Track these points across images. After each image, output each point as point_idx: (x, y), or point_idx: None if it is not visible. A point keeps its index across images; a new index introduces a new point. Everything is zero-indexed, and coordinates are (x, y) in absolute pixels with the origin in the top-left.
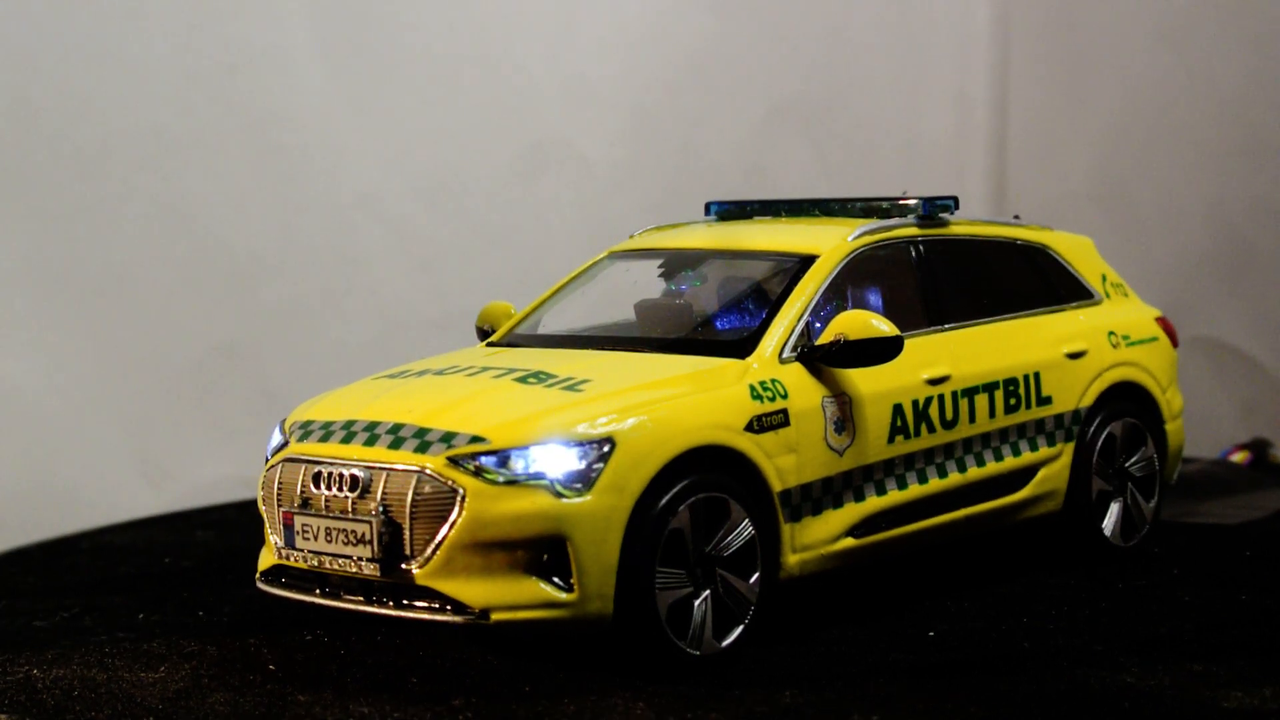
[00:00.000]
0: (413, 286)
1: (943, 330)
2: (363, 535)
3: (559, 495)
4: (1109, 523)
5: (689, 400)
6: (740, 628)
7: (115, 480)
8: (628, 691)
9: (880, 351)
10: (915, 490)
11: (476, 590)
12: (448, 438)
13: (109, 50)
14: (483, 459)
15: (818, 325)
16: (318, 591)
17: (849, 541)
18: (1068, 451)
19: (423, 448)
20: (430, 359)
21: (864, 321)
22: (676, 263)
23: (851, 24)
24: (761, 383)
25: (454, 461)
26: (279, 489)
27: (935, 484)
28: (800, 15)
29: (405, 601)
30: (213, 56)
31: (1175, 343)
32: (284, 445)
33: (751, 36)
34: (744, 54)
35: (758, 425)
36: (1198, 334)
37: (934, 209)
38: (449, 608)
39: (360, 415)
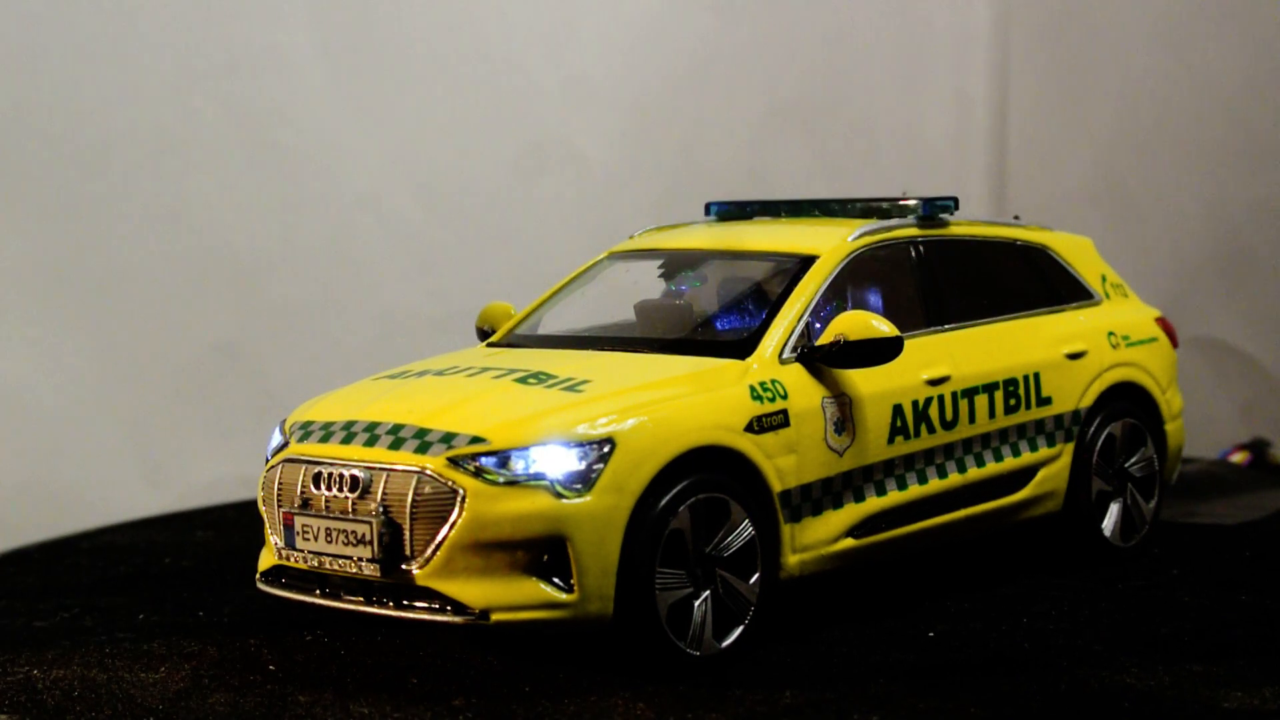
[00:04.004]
0: (413, 287)
1: (943, 331)
2: (363, 536)
3: (559, 496)
4: (1109, 523)
5: (689, 401)
6: (740, 628)
7: (115, 480)
8: (628, 692)
9: (880, 352)
10: (915, 491)
11: (476, 591)
12: (448, 438)
13: (109, 50)
14: (483, 459)
15: (818, 326)
16: (318, 592)
17: (849, 542)
18: (1067, 452)
19: (423, 448)
20: (430, 359)
21: (864, 322)
22: (676, 263)
23: (851, 24)
24: (761, 383)
25: (454, 462)
26: (279, 489)
27: (935, 484)
28: (800, 15)
29: (405, 602)
30: (213, 56)
31: (1175, 343)
32: (284, 446)
33: (751, 36)
34: (744, 54)
35: (758, 426)
36: (1197, 334)
37: (934, 209)
38: (449, 608)
39: (360, 416)
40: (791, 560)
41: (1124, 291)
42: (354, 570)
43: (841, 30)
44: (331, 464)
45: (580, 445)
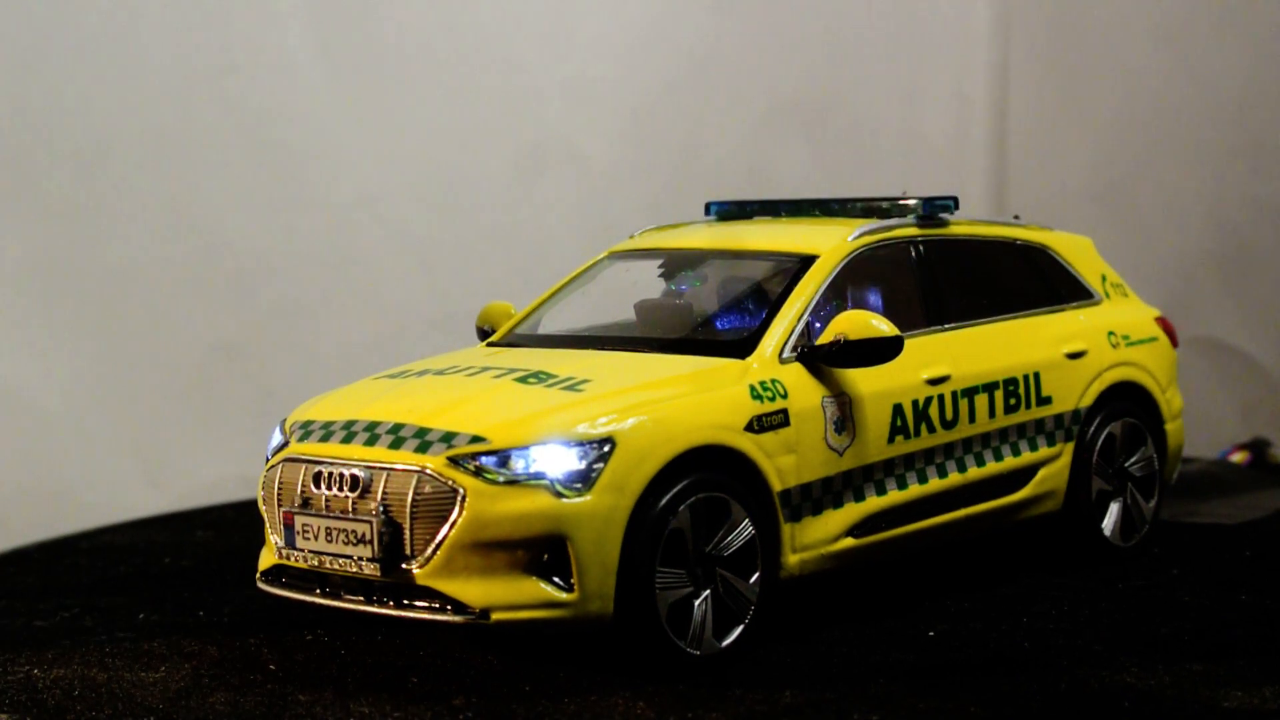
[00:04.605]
0: (413, 286)
1: (943, 330)
2: (363, 535)
3: (559, 495)
4: (1109, 523)
5: (689, 400)
6: (740, 627)
7: (115, 480)
8: (628, 691)
9: (880, 351)
10: (915, 490)
11: (477, 590)
12: (448, 438)
13: (109, 50)
14: (483, 459)
15: (818, 325)
16: (318, 591)
17: (849, 541)
18: (1067, 451)
19: (423, 448)
20: (430, 359)
21: (864, 321)
22: (676, 263)
23: (851, 24)
24: (761, 383)
25: (454, 461)
26: (279, 489)
27: (935, 484)
28: (800, 15)
29: (405, 601)
30: (212, 56)
31: (1175, 343)
32: (284, 445)
33: (751, 36)
34: (744, 54)
35: (758, 425)
36: (1198, 334)
37: (934, 209)
38: (449, 607)
39: (361, 415)
40: (792, 560)
41: (1124, 291)
42: (354, 570)
43: (841, 30)
44: (332, 463)
45: (580, 444)
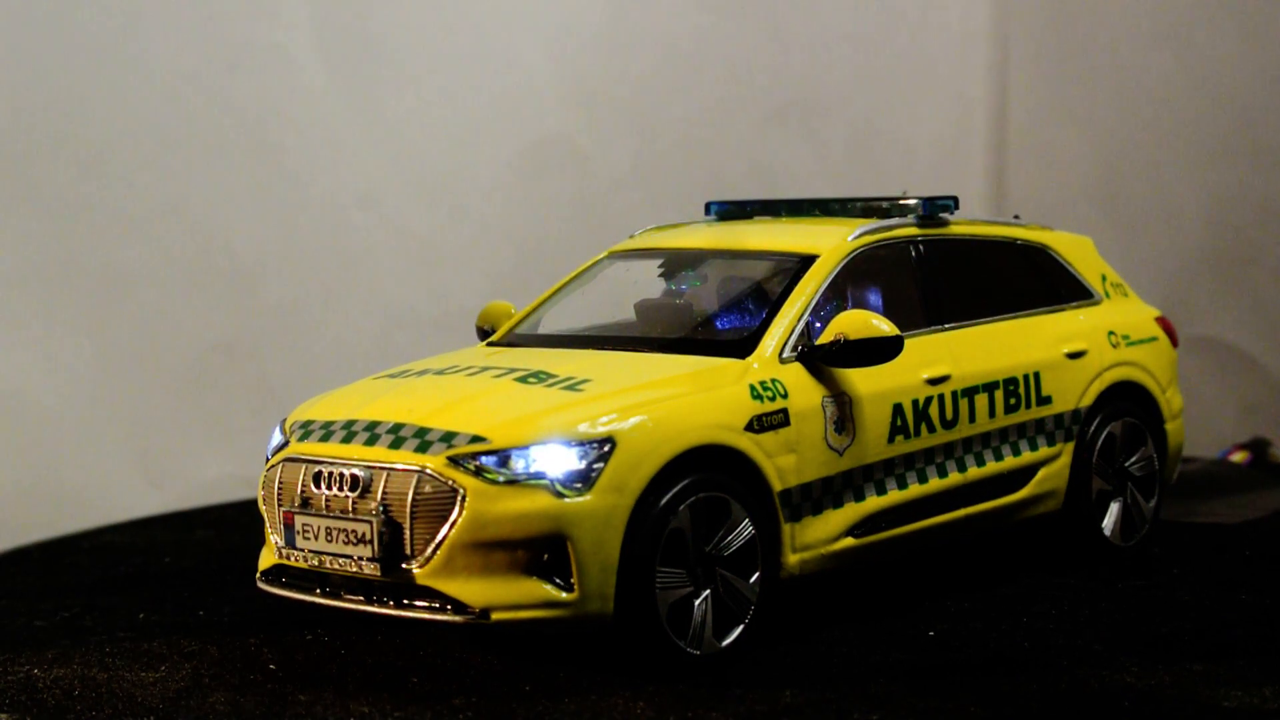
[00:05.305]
0: (413, 286)
1: (943, 330)
2: (363, 535)
3: (559, 495)
4: (1109, 522)
5: (689, 400)
6: (740, 627)
7: (115, 480)
8: (628, 691)
9: (880, 351)
10: (915, 490)
11: (477, 590)
12: (448, 437)
13: (109, 50)
14: (483, 458)
15: (818, 325)
16: (318, 591)
17: (849, 541)
18: (1067, 451)
19: (423, 447)
20: (430, 359)
21: (864, 321)
22: (676, 263)
23: (851, 24)
24: (761, 382)
25: (454, 461)
26: (279, 488)
27: (935, 484)
28: (800, 15)
29: (406, 601)
30: (213, 56)
31: (1175, 342)
32: (284, 445)
33: (751, 36)
34: (744, 54)
35: (758, 425)
36: (1198, 334)
37: (934, 209)
38: (449, 607)
39: (361, 415)
40: (792, 559)
41: (1124, 291)
42: (354, 569)
43: (841, 30)
44: (332, 463)
45: (580, 444)
